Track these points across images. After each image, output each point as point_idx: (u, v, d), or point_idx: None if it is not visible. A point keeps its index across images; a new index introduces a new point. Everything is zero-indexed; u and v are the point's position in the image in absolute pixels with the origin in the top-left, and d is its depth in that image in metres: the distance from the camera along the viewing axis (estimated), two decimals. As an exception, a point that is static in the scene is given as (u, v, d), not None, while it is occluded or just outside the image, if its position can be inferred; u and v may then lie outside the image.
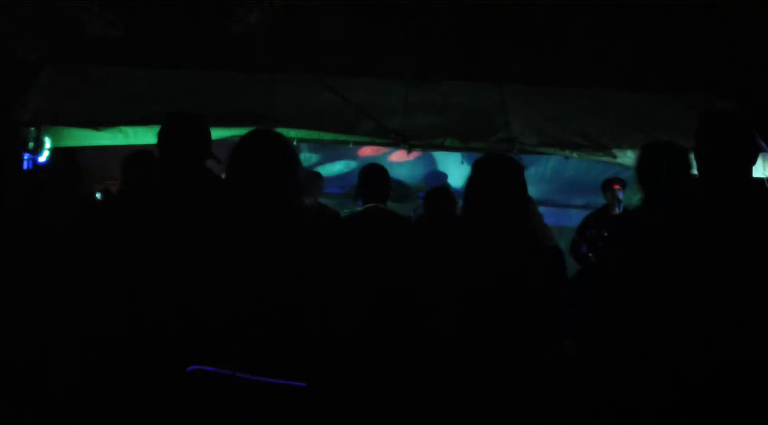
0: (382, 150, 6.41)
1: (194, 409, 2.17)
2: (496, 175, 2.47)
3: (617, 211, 5.88)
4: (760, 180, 2.64)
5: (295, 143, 5.53)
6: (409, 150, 5.53)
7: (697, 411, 2.21)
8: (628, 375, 2.38)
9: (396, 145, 5.56)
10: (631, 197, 6.50)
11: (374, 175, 3.96)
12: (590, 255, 5.72)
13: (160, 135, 2.79)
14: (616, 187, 5.93)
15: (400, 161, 6.81)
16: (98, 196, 4.28)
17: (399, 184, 6.85)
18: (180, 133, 2.78)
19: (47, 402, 2.48)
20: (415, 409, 2.43)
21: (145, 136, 5.29)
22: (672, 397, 2.25)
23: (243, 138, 2.42)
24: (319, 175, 6.27)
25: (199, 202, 2.42)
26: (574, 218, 6.55)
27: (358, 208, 4.00)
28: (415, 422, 2.45)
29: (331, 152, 7.14)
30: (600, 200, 6.17)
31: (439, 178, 7.18)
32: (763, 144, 4.61)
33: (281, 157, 2.37)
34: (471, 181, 2.51)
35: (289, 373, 2.17)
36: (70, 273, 2.59)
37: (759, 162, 3.34)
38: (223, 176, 2.43)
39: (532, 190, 5.41)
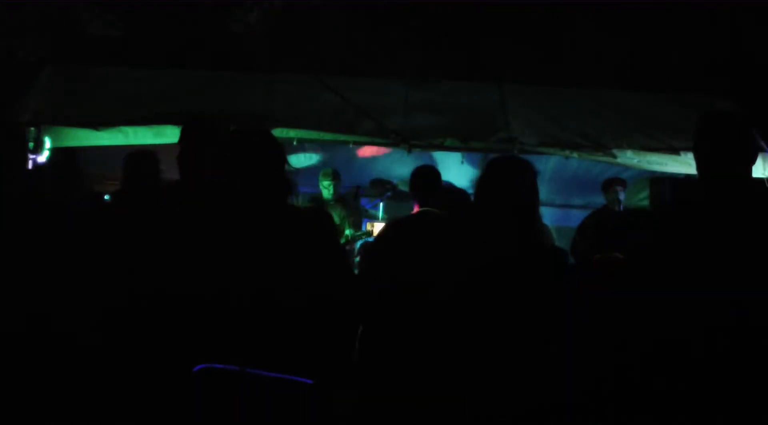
0: (383, 150, 6.38)
1: (199, 407, 2.17)
2: (508, 176, 2.46)
3: (617, 210, 5.87)
4: (760, 180, 2.63)
5: (294, 143, 5.54)
6: (409, 150, 5.52)
7: (698, 410, 2.21)
8: (627, 372, 2.39)
9: (396, 144, 5.54)
10: (631, 197, 6.53)
11: (425, 177, 3.88)
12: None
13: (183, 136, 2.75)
14: (616, 187, 5.93)
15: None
16: (107, 197, 4.26)
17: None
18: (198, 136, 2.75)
19: (46, 401, 2.49)
20: (419, 404, 2.43)
21: (145, 136, 5.29)
22: (672, 397, 2.25)
23: (229, 138, 2.39)
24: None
25: (198, 202, 2.42)
26: (574, 218, 6.54)
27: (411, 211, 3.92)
28: (419, 417, 2.45)
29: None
30: (600, 200, 6.16)
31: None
32: (763, 144, 4.61)
33: (274, 156, 2.37)
34: (482, 181, 2.50)
35: (290, 369, 2.17)
36: (70, 273, 2.59)
37: (759, 162, 3.34)
38: (214, 176, 2.41)
39: (532, 190, 5.42)
